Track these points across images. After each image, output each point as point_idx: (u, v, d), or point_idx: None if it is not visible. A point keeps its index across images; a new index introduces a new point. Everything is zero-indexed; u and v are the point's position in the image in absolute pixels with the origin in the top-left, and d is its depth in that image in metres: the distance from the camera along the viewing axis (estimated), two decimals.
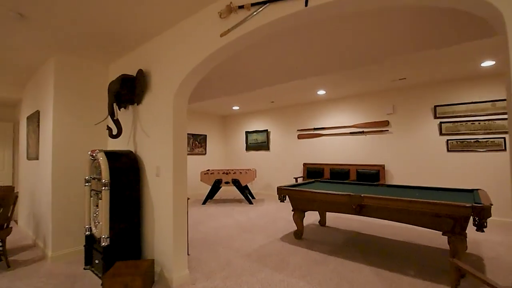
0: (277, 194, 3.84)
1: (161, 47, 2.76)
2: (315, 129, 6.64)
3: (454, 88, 4.86)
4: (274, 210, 5.66)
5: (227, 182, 6.36)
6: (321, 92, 5.56)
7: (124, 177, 2.79)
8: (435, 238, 3.69)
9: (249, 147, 8.10)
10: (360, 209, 3.11)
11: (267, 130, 7.63)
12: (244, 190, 6.32)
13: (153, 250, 2.75)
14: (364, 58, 3.22)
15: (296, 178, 6.34)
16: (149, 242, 2.82)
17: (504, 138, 4.42)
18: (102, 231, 2.66)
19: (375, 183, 4.03)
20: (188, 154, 7.68)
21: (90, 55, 3.30)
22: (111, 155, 2.78)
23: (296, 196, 3.67)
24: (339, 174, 6.08)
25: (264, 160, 7.76)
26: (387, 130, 5.55)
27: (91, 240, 2.95)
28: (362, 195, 3.03)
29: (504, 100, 4.41)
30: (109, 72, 3.66)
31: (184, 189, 2.61)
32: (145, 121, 2.92)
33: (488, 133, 4.56)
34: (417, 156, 5.21)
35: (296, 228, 4.27)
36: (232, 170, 6.70)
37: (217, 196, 7.42)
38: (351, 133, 6.04)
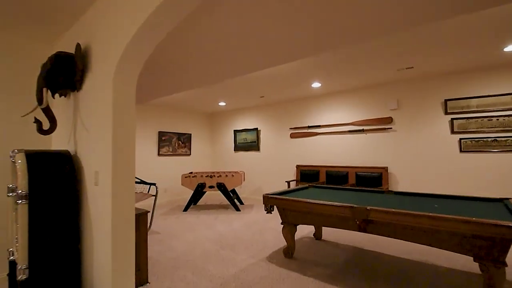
0: (263, 203, 3.16)
1: (100, 14, 2.07)
2: (309, 127, 5.98)
3: (468, 78, 4.25)
4: (263, 218, 4.98)
5: (211, 187, 5.66)
6: (316, 84, 4.91)
7: (54, 186, 2.08)
8: (460, 258, 3.05)
9: (237, 147, 7.42)
10: (366, 226, 2.45)
11: (257, 129, 6.95)
12: (231, 196, 5.63)
13: (93, 285, 2.05)
14: (364, 30, 2.57)
15: (288, 182, 5.67)
16: (89, 275, 2.11)
17: None
18: (19, 259, 1.95)
19: (380, 190, 3.39)
20: (170, 155, 6.95)
21: (27, 32, 2.58)
22: (35, 157, 2.06)
23: (286, 207, 3.00)
24: (336, 177, 5.43)
25: (254, 161, 7.08)
26: (391, 128, 4.92)
27: (15, 268, 2.23)
28: (368, 207, 2.37)
29: None
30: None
31: (130, 203, 1.91)
32: (85, 111, 2.22)
33: (507, 131, 3.96)
34: (425, 158, 4.59)
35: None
36: (217, 173, 6.00)
37: (202, 201, 6.72)
38: (350, 132, 5.40)
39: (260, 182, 6.91)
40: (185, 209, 5.68)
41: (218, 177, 5.64)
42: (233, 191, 6.31)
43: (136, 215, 2.44)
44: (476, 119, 4.16)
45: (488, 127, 4.07)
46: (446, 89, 4.42)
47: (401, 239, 2.34)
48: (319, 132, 5.85)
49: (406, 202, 2.70)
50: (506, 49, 3.36)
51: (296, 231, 3.15)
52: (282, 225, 3.34)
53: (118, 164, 1.85)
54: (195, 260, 3.11)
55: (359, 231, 2.49)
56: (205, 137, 8.04)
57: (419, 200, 2.79)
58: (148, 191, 4.27)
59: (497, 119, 4.01)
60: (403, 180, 4.79)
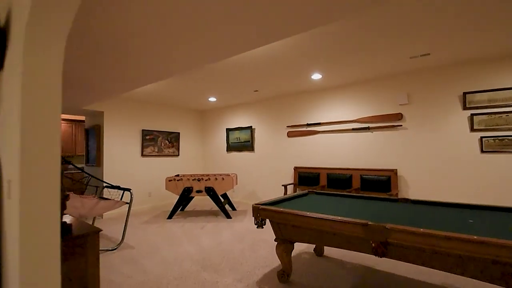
0: (253, 216, 2.57)
1: None
2: (308, 125, 5.41)
3: (491, 68, 3.69)
4: (253, 227, 4.39)
5: (199, 191, 5.07)
6: (317, 76, 4.33)
7: None
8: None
9: (230, 147, 6.83)
10: (384, 249, 1.87)
11: (251, 127, 6.36)
12: (221, 201, 5.04)
13: None
14: None
15: (285, 186, 5.09)
16: None
17: None
18: None
19: (393, 198, 2.81)
20: (156, 155, 6.35)
21: None
22: None
23: (281, 221, 2.42)
24: (338, 181, 4.86)
25: (247, 162, 6.49)
26: (400, 126, 4.36)
27: None
28: (387, 226, 1.79)
29: None
30: None
31: (52, 221, 1.32)
32: (5, 95, 1.63)
33: None
34: (440, 159, 4.03)
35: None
36: (206, 175, 5.41)
37: (190, 207, 6.12)
38: (354, 130, 4.83)
39: (254, 185, 6.33)
40: (170, 217, 5.08)
41: (206, 180, 5.05)
42: (225, 195, 5.73)
43: (81, 236, 1.85)
44: (501, 115, 3.61)
45: None
46: (465, 80, 3.86)
47: (430, 267, 1.77)
48: (319, 130, 5.28)
49: (429, 215, 2.13)
50: None
51: (293, 249, 2.57)
52: (276, 243, 2.76)
53: (32, 169, 1.26)
54: (168, 285, 2.52)
55: (374, 255, 1.92)
56: (195, 136, 7.44)
57: (444, 212, 2.22)
58: (121, 198, 3.68)
59: None
60: (414, 184, 4.23)
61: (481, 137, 3.73)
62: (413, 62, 3.78)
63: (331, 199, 2.97)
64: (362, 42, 3.05)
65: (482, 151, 3.73)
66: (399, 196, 4.32)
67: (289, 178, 5.69)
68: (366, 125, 4.71)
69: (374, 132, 4.63)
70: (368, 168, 4.62)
